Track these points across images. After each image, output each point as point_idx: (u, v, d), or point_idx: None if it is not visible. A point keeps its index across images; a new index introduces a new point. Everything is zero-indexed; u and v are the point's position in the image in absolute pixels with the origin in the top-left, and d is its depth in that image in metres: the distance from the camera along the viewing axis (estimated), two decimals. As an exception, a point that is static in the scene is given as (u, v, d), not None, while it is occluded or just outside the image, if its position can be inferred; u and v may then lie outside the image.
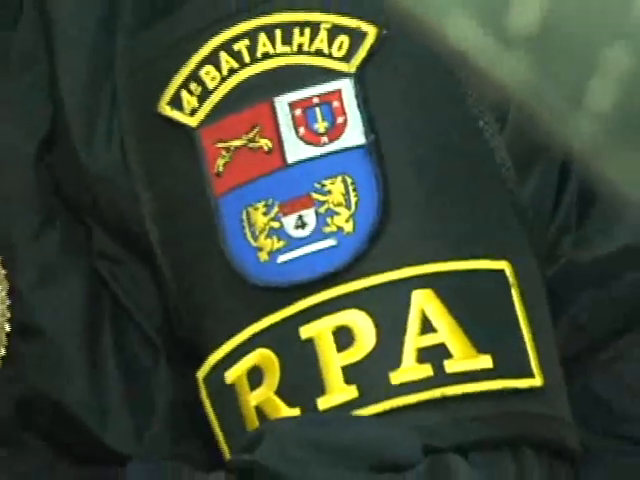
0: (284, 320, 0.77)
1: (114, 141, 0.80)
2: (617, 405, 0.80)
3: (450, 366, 0.73)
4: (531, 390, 0.76)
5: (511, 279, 0.71)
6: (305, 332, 0.75)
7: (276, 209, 0.75)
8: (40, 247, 0.85)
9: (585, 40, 0.30)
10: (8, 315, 0.84)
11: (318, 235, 0.75)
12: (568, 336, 0.76)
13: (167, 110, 0.72)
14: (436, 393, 0.73)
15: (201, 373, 0.79)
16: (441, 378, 0.73)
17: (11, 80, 0.84)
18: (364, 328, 0.75)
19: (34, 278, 0.85)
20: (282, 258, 0.76)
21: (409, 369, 0.73)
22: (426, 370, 0.73)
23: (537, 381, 0.75)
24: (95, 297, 0.84)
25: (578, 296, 0.81)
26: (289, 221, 0.75)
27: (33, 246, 0.85)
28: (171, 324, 0.84)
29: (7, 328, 0.84)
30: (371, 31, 0.72)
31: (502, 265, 0.70)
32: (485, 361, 0.74)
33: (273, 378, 0.77)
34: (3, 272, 0.83)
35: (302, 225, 0.75)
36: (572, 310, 0.79)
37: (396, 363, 0.73)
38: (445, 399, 0.73)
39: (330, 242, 0.74)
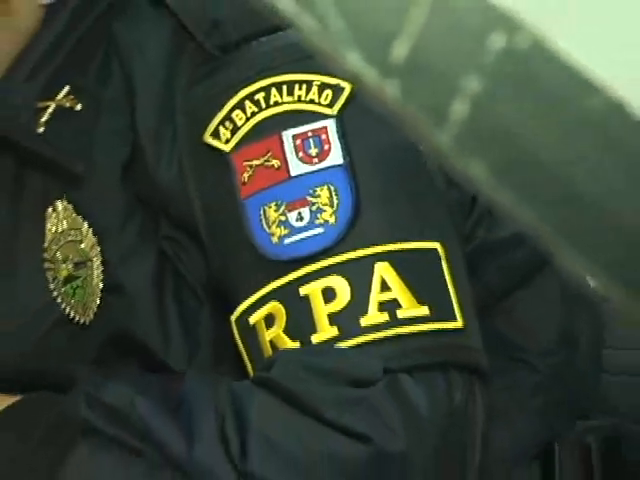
0: (289, 283, 0.93)
1: (174, 162, 0.98)
2: (513, 338, 1.02)
3: (401, 313, 0.90)
4: (455, 330, 0.93)
5: (442, 254, 0.88)
6: (303, 291, 0.92)
7: (283, 207, 0.93)
8: (125, 233, 1.02)
9: (446, 69, 0.34)
10: (101, 277, 1.01)
11: (311, 225, 0.93)
12: (481, 292, 0.96)
13: (210, 140, 0.90)
14: (391, 332, 0.90)
15: (233, 317, 0.96)
16: (395, 322, 0.90)
17: (105, 119, 1.00)
18: (343, 288, 0.92)
19: (120, 253, 1.02)
20: (287, 241, 0.93)
21: (373, 316, 0.90)
22: (384, 316, 0.90)
23: (459, 323, 0.92)
24: (161, 266, 1.01)
25: (488, 265, 1.02)
26: (292, 216, 0.93)
27: (120, 232, 1.02)
28: (212, 283, 1.01)
29: (100, 285, 1.01)
30: (347, 86, 0.91)
31: (436, 245, 0.88)
32: (424, 310, 0.90)
33: (281, 321, 0.94)
34: (99, 248, 1.00)
35: (301, 218, 0.92)
36: (484, 275, 1.01)
37: (364, 311, 0.90)
38: (398, 336, 0.90)
39: (319, 230, 0.92)
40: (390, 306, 0.90)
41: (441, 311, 0.93)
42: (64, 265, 1.04)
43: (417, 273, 0.89)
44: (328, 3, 0.34)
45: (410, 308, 0.89)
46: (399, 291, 0.90)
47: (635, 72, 0.34)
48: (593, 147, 0.34)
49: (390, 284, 0.91)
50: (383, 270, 0.91)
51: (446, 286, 0.88)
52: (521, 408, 1.07)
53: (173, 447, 0.94)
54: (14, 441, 1.01)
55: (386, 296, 0.91)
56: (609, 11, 0.34)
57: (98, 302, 1.03)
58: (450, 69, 0.33)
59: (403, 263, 0.88)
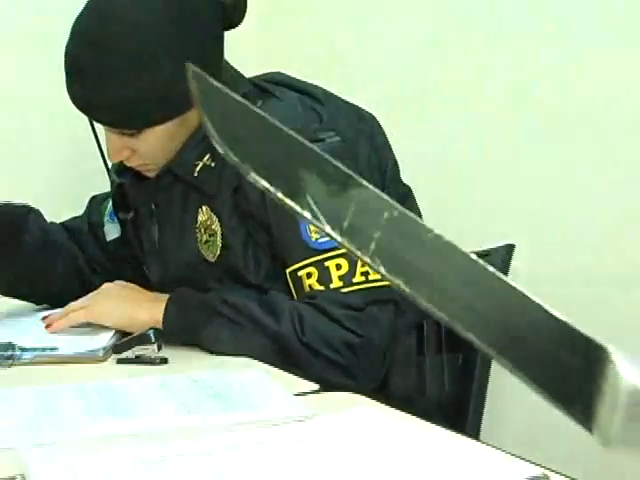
0: (319, 260, 1.41)
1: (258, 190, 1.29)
2: None
3: (370, 277, 1.40)
4: None
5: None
6: (326, 263, 1.40)
7: None
8: (231, 221, 1.50)
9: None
10: (221, 240, 1.51)
11: None
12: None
13: None
14: (365, 285, 1.40)
15: (288, 270, 1.46)
16: (367, 281, 1.39)
17: (226, 169, 1.46)
18: (344, 264, 1.40)
19: (229, 230, 1.51)
20: (319, 240, 1.39)
21: (357, 278, 1.40)
22: (362, 278, 1.40)
23: None
24: (247, 236, 1.50)
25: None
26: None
27: (229, 220, 1.51)
28: (275, 255, 1.50)
29: (220, 245, 1.53)
30: None
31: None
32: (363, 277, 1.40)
33: (315, 277, 1.41)
34: (220, 228, 1.51)
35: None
36: None
37: (354, 275, 1.40)
38: (369, 287, 1.39)
39: None
40: (365, 273, 1.41)
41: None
42: (204, 235, 1.56)
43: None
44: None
45: (373, 274, 1.37)
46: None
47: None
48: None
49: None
50: (363, 256, 1.47)
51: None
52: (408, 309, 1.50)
53: (266, 324, 1.40)
54: (176, 308, 1.48)
55: (363, 269, 1.41)
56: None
57: (219, 252, 1.55)
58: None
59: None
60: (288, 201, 0.51)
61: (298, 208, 0.51)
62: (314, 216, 0.51)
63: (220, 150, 0.53)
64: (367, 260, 0.50)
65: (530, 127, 2.12)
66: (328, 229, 0.51)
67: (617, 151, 1.97)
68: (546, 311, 0.47)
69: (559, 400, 0.46)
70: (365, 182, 0.51)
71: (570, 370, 0.46)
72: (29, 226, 1.67)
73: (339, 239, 0.50)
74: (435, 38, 2.31)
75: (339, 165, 0.52)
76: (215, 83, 0.53)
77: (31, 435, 1.03)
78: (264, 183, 0.52)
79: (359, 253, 0.50)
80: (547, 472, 0.91)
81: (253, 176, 0.52)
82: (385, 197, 0.51)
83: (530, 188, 2.13)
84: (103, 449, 0.95)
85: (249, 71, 1.66)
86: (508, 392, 1.42)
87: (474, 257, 0.49)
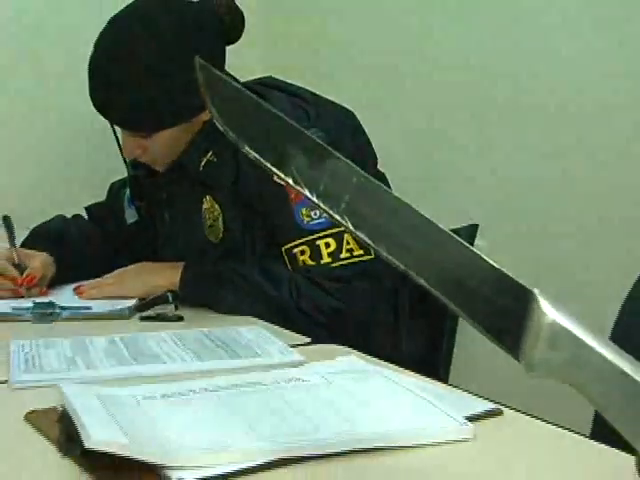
0: (311, 239, 1.44)
1: (256, 180, 1.42)
2: None
3: (354, 252, 1.43)
4: (372, 258, 1.39)
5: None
6: (317, 242, 1.42)
7: (309, 209, 1.40)
8: (232, 208, 1.52)
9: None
10: (222, 225, 1.54)
11: (320, 217, 1.39)
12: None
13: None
14: (349, 260, 1.43)
15: (283, 248, 1.47)
16: (352, 257, 1.42)
17: (227, 164, 1.48)
18: (333, 243, 1.42)
19: (231, 217, 1.53)
20: (310, 223, 1.43)
21: (344, 254, 1.42)
22: (348, 254, 1.42)
23: (373, 256, 1.37)
24: (245, 221, 1.51)
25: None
26: (312, 213, 1.40)
27: (231, 209, 1.53)
28: (271, 234, 1.50)
29: (222, 228, 1.52)
30: None
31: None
32: (362, 251, 1.41)
33: (307, 254, 1.44)
34: (221, 214, 1.52)
35: (316, 214, 1.41)
36: None
37: (340, 252, 1.43)
38: (353, 262, 1.42)
39: (323, 219, 1.38)
40: (350, 249, 1.44)
41: (368, 251, 1.40)
42: (209, 220, 1.58)
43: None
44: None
45: (357, 251, 1.44)
46: (352, 244, 1.43)
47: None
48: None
49: (350, 242, 1.42)
50: (347, 236, 1.43)
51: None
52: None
53: (268, 291, 1.44)
54: (191, 274, 1.50)
55: (348, 246, 1.44)
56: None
57: (221, 235, 1.57)
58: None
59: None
60: (275, 170, 0.55)
61: (283, 175, 0.55)
62: (296, 182, 0.54)
63: (220, 128, 0.56)
64: (337, 218, 0.53)
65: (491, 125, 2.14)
66: (307, 192, 0.54)
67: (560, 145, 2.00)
68: (486, 261, 0.50)
69: (493, 334, 0.48)
70: (338, 154, 0.55)
71: (503, 309, 0.48)
72: (70, 232, 1.70)
73: (315, 200, 0.54)
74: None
75: (317, 141, 0.55)
76: (217, 72, 0.56)
77: (69, 375, 1.07)
78: (256, 155, 0.55)
79: (331, 212, 0.53)
80: (501, 407, 0.95)
81: (247, 149, 0.56)
82: (353, 166, 0.55)
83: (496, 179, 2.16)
84: (128, 386, 0.98)
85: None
86: (471, 344, 1.42)
87: (427, 216, 0.52)
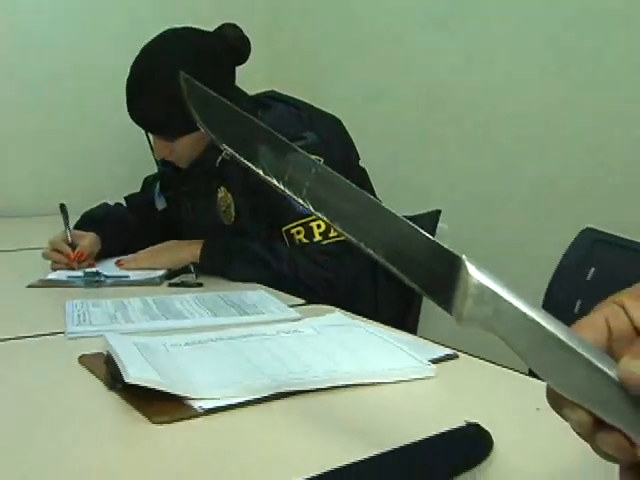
0: (304, 221, 1.41)
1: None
2: None
3: (332, 234, 1.41)
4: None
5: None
6: (310, 224, 1.40)
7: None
8: (242, 196, 1.50)
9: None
10: (234, 209, 1.52)
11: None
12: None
13: None
14: (335, 239, 1.39)
15: (283, 229, 1.44)
16: (337, 236, 1.37)
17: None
18: (323, 223, 1.38)
19: (240, 204, 1.51)
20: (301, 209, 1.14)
21: (333, 233, 1.40)
22: (335, 233, 1.30)
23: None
24: (252, 205, 1.48)
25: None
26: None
27: (240, 197, 1.51)
28: (273, 220, 1.47)
29: (233, 213, 1.52)
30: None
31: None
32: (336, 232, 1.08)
33: (302, 233, 1.41)
34: (233, 201, 1.49)
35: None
36: None
37: (329, 232, 1.40)
38: (342, 240, 1.32)
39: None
40: (330, 231, 1.42)
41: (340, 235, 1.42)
42: (223, 206, 1.56)
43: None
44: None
45: (334, 232, 1.20)
46: (331, 229, 1.25)
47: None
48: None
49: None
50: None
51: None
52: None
53: (271, 264, 1.41)
54: (209, 248, 1.46)
55: (332, 235, 1.42)
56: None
57: (233, 219, 1.55)
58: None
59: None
60: (248, 163, 0.54)
61: (254, 167, 0.53)
62: (265, 172, 0.53)
63: (201, 129, 0.55)
64: (300, 201, 0.52)
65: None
66: (274, 181, 0.53)
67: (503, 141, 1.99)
68: (422, 234, 0.49)
69: (429, 293, 0.48)
70: (298, 149, 0.54)
71: (437, 272, 0.48)
72: (112, 216, 1.69)
73: (281, 187, 0.52)
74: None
75: (281, 137, 0.54)
76: (198, 84, 0.55)
77: (112, 327, 1.07)
78: (231, 151, 0.54)
79: (296, 197, 0.52)
80: (457, 352, 0.95)
81: (225, 147, 0.54)
82: (312, 158, 0.53)
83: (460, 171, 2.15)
84: (158, 336, 0.98)
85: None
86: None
87: (372, 197, 0.51)
